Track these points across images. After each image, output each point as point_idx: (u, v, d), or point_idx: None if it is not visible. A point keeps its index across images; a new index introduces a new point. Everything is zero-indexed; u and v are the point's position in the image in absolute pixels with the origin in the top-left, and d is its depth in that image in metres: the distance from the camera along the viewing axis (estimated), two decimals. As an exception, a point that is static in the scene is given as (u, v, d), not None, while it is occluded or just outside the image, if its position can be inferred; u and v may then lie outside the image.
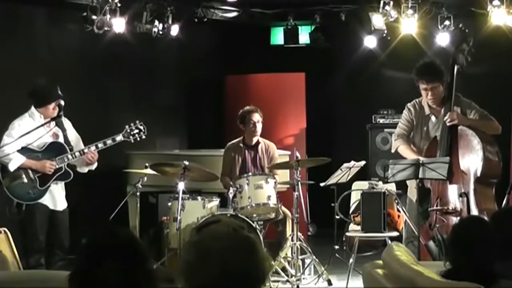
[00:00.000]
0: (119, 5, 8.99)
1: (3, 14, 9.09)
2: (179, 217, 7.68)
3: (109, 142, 7.46)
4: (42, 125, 7.29)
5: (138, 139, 7.59)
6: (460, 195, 6.96)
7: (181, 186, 7.78)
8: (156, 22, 9.81)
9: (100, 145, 7.42)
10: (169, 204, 8.23)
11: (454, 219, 6.87)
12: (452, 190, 7.04)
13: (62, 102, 7.25)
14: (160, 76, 11.36)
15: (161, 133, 11.13)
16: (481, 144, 6.93)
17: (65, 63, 9.64)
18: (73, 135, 7.61)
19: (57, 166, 7.31)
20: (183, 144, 11.57)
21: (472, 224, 4.09)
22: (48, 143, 7.37)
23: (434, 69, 7.30)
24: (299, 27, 11.14)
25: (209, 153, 9.84)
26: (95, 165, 7.58)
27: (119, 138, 7.48)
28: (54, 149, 7.36)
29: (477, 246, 3.79)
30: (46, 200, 7.35)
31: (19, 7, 9.28)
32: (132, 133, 7.53)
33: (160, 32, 9.87)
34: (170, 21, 9.94)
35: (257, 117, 8.61)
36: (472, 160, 6.97)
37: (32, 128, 7.26)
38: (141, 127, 7.57)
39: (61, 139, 7.46)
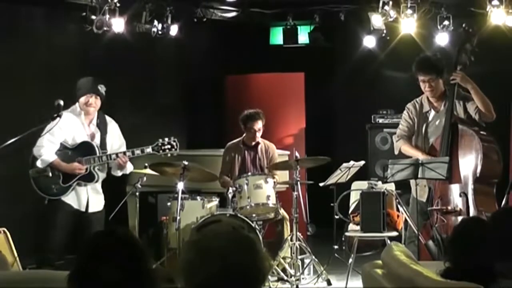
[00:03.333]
0: (118, 5, 8.97)
1: (2, 14, 9.08)
2: (178, 217, 7.68)
3: (137, 152, 7.40)
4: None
5: (169, 154, 7.52)
6: (460, 195, 6.98)
7: (180, 186, 7.78)
8: (156, 22, 9.80)
9: (128, 153, 7.39)
10: (169, 204, 8.23)
11: (454, 219, 6.88)
12: (453, 190, 7.05)
13: (61, 102, 7.22)
14: (160, 76, 11.36)
15: (160, 133, 11.10)
16: (481, 144, 6.94)
17: (64, 62, 9.63)
18: (114, 139, 7.59)
19: (84, 168, 7.32)
20: (183, 144, 11.53)
21: (472, 224, 4.10)
22: (79, 142, 7.38)
23: (431, 61, 7.42)
24: (298, 27, 11.13)
25: (209, 153, 9.84)
26: (128, 169, 7.59)
27: (148, 150, 7.41)
28: (83, 149, 7.35)
29: (476, 246, 3.79)
30: (70, 199, 7.33)
31: (18, 7, 9.28)
32: (163, 147, 7.45)
33: (160, 32, 9.86)
34: (169, 21, 9.93)
35: (258, 126, 8.60)
36: (472, 160, 6.98)
37: (72, 122, 7.33)
38: (174, 143, 7.49)
39: (97, 140, 7.44)
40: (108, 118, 7.60)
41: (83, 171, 7.28)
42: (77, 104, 7.42)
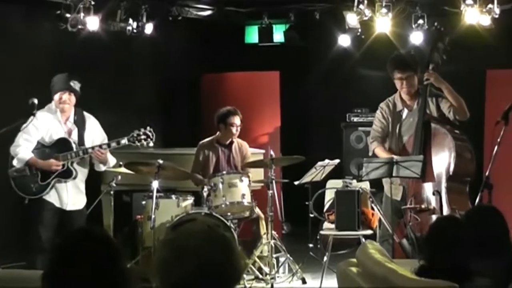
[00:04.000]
0: (93, 3, 8.93)
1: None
2: (153, 216, 7.66)
3: (113, 144, 7.36)
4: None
5: (145, 145, 7.46)
6: (433, 193, 7.01)
7: (155, 184, 7.76)
8: (130, 21, 9.75)
9: (104, 146, 7.34)
10: (143, 202, 8.21)
11: (428, 218, 6.91)
12: (426, 188, 7.08)
13: (36, 101, 7.14)
14: (135, 75, 11.31)
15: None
16: (454, 142, 6.98)
17: (40, 61, 9.56)
18: (95, 134, 7.52)
19: (61, 164, 7.26)
20: (158, 143, 11.51)
21: (447, 223, 4.12)
22: (56, 139, 7.32)
23: (407, 59, 7.45)
24: (274, 26, 11.11)
25: (184, 151, 9.81)
26: (111, 162, 7.55)
27: (123, 141, 7.35)
28: (60, 146, 7.29)
29: (451, 244, 3.81)
30: (51, 197, 7.28)
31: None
32: (138, 138, 7.39)
33: (134, 31, 9.81)
34: (144, 20, 9.88)
35: (238, 121, 8.60)
36: (445, 158, 7.02)
37: (48, 120, 7.28)
38: (150, 133, 7.43)
39: (74, 137, 7.39)
40: (86, 114, 7.55)
41: (60, 167, 7.24)
42: (53, 102, 7.38)
